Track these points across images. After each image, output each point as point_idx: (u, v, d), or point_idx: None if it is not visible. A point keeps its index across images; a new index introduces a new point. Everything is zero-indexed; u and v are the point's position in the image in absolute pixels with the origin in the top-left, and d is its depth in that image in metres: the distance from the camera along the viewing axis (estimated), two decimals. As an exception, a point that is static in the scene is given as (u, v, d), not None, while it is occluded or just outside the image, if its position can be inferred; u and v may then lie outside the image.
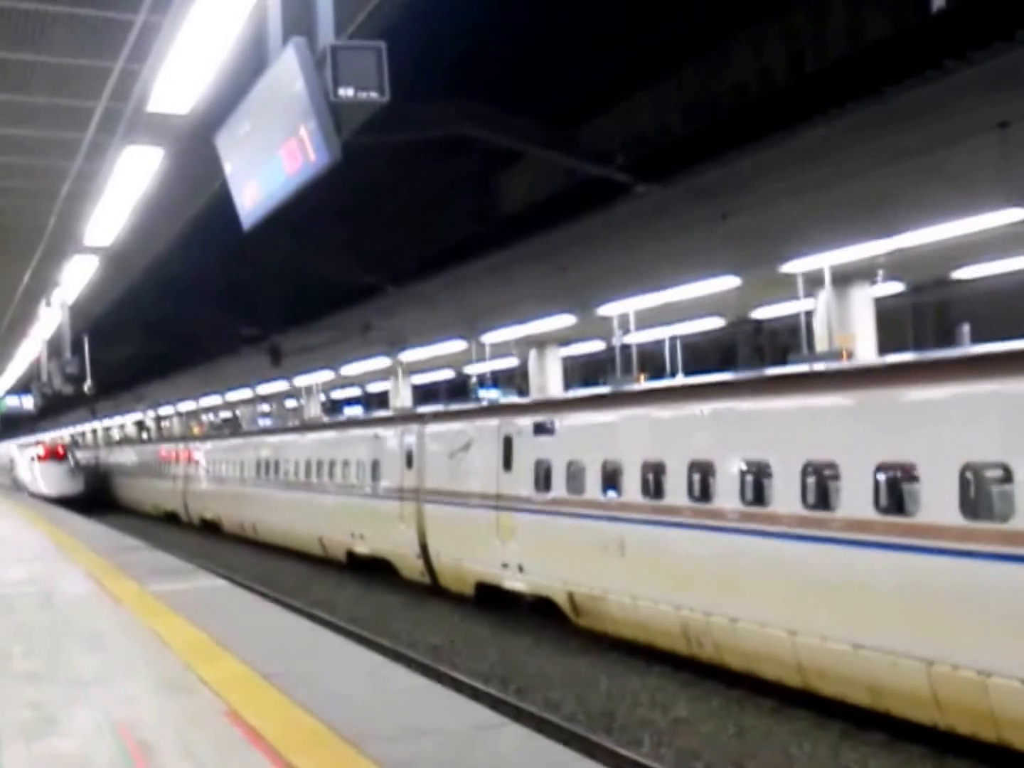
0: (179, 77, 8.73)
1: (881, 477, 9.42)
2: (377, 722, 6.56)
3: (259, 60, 7.04)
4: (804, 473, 10.16)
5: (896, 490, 9.41)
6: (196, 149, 9.68)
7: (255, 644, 9.13)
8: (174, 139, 10.13)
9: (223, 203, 14.48)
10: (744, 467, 10.96)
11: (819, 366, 12.01)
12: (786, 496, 10.31)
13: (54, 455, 47.30)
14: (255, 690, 7.51)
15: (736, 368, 28.04)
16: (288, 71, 6.55)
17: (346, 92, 6.24)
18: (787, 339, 27.40)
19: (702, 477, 11.61)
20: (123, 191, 12.19)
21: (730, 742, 9.96)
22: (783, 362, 20.02)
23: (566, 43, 14.19)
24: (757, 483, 10.87)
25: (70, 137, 10.34)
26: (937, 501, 8.87)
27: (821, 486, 10.16)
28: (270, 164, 7.25)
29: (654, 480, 12.33)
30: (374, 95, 6.28)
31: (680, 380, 13.67)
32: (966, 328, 22.77)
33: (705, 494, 11.52)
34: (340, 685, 7.61)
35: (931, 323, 25.71)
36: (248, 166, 7.76)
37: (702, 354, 30.93)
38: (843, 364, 12.79)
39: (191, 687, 7.69)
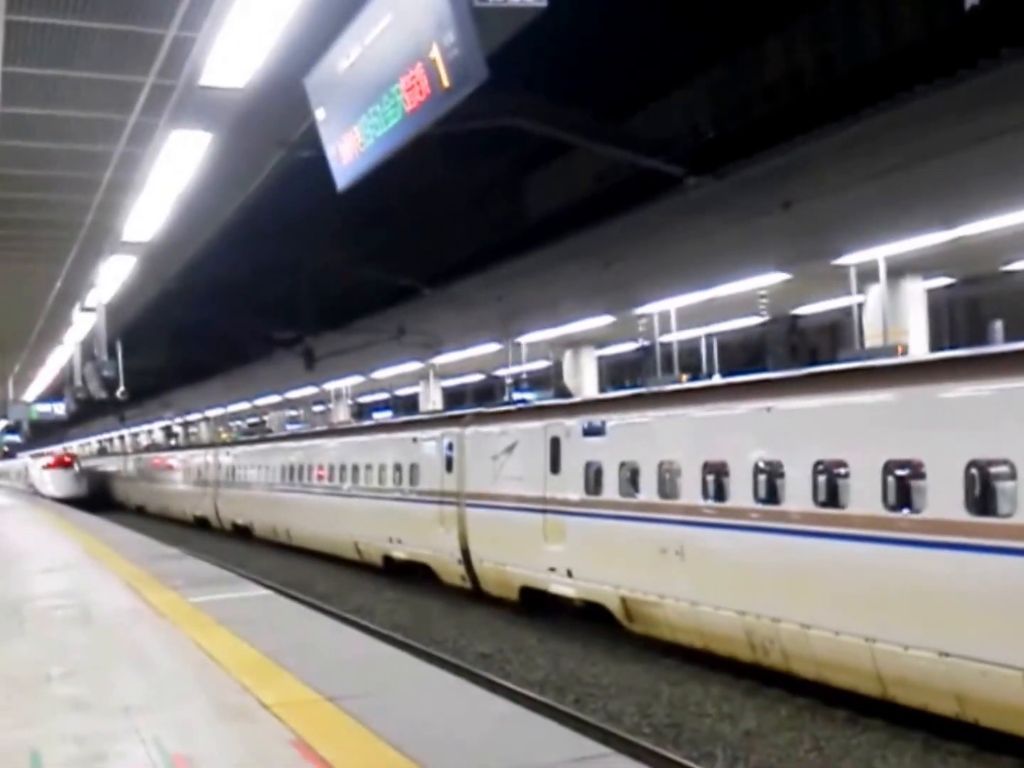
0: (239, 40, 7.77)
1: (972, 475, 8.89)
2: (471, 756, 5.93)
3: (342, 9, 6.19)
4: (885, 472, 9.64)
5: (989, 489, 8.89)
6: (247, 136, 9.17)
7: (314, 661, 8.55)
8: (225, 119, 9.46)
9: (265, 198, 14.23)
10: (818, 467, 10.45)
11: (889, 360, 11.46)
12: (865, 496, 9.79)
13: (61, 463, 54.13)
14: (323, 716, 6.86)
15: (767, 368, 27.49)
16: None
17: None
18: (817, 338, 26.91)
19: (770, 477, 11.11)
20: (166, 181, 11.69)
21: (808, 756, 9.46)
22: (815, 362, 19.53)
23: (614, 38, 13.81)
24: (832, 483, 10.36)
25: (114, 119, 9.78)
26: None
27: (903, 486, 9.64)
28: (382, 102, 6.13)
29: (717, 481, 11.85)
30: (530, 0, 5.25)
31: (743, 376, 13.12)
32: (999, 325, 22.21)
33: (774, 495, 11.02)
34: (420, 711, 6.96)
35: (962, 319, 25.14)
36: (349, 109, 6.56)
37: (731, 353, 30.36)
38: (923, 356, 12.28)
39: (251, 713, 7.04)
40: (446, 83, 5.57)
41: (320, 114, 7.13)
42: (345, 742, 6.24)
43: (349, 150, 6.84)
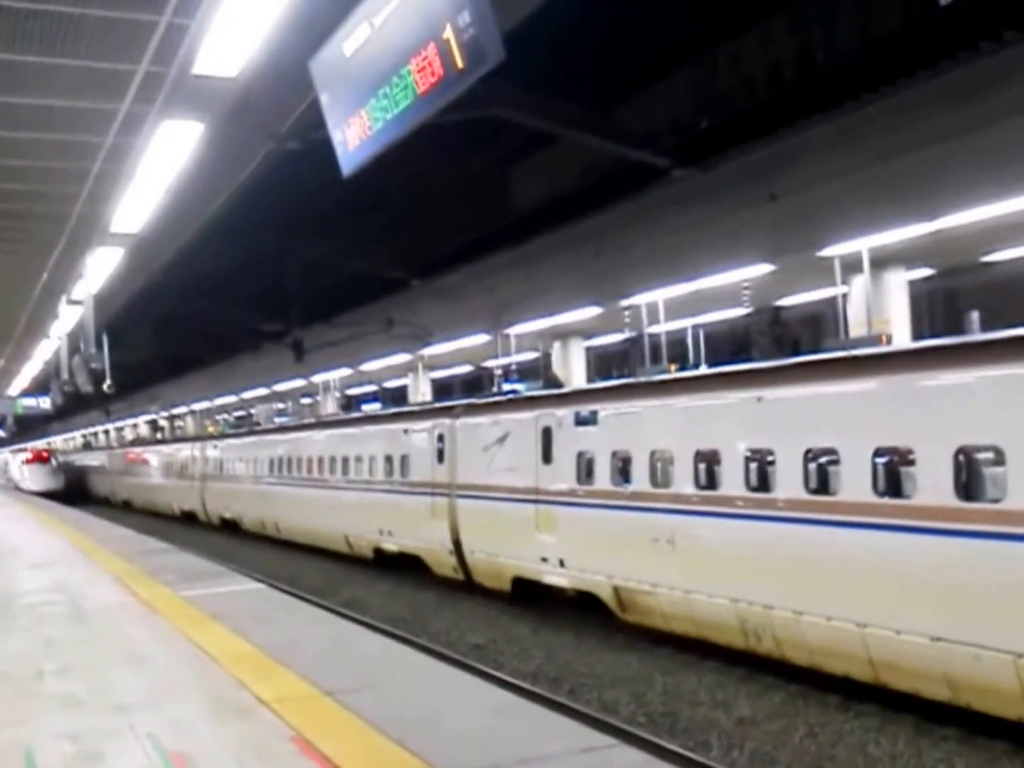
0: (234, 28, 7.56)
1: (960, 462, 8.94)
2: (475, 750, 5.85)
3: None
4: (875, 458, 9.68)
5: (978, 475, 8.93)
6: (238, 127, 9.07)
7: (310, 655, 8.49)
8: (217, 109, 9.34)
9: (255, 190, 14.17)
10: (809, 455, 10.49)
11: (876, 349, 11.52)
12: (855, 483, 9.83)
13: (39, 459, 57.53)
14: (322, 711, 6.76)
15: (752, 357, 27.52)
16: None
17: None
18: (799, 329, 26.97)
19: (761, 466, 11.14)
20: (156, 172, 11.54)
21: (803, 743, 9.50)
22: (797, 352, 19.56)
23: (598, 30, 13.79)
24: (822, 471, 10.40)
25: (105, 108, 9.61)
26: None
27: (893, 472, 9.68)
28: (392, 85, 5.98)
29: (708, 470, 11.88)
30: None
31: (734, 366, 13.15)
32: (975, 315, 22.34)
33: (765, 483, 11.06)
34: (419, 703, 6.88)
35: (940, 310, 25.23)
36: (358, 92, 6.38)
37: (717, 344, 30.41)
38: (910, 345, 12.34)
39: (248, 708, 6.91)
40: (460, 64, 5.47)
41: (325, 98, 6.99)
42: (345, 737, 6.17)
43: (356, 135, 6.71)
